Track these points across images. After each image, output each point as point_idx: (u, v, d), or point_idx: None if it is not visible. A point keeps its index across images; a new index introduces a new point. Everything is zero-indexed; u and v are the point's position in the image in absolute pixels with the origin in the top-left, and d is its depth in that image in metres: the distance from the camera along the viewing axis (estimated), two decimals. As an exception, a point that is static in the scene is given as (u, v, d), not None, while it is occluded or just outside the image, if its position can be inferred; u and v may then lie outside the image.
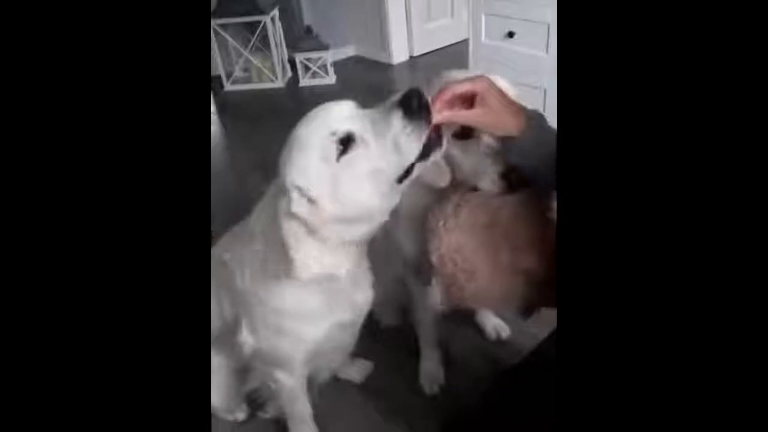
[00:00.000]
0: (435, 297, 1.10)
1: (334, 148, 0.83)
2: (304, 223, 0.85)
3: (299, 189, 0.84)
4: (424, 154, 0.85)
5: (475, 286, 0.99)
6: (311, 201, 0.84)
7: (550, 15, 2.21)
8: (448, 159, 1.03)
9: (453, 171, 1.05)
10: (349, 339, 1.22)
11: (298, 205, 0.84)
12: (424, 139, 0.83)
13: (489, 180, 0.99)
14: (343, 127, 0.83)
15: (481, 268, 0.98)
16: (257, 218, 0.98)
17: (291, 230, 0.85)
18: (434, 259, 0.99)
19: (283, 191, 0.85)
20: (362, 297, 1.09)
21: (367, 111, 0.87)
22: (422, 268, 1.26)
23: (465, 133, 1.01)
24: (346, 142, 0.83)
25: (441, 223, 0.99)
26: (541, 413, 1.10)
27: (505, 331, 1.58)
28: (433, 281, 1.07)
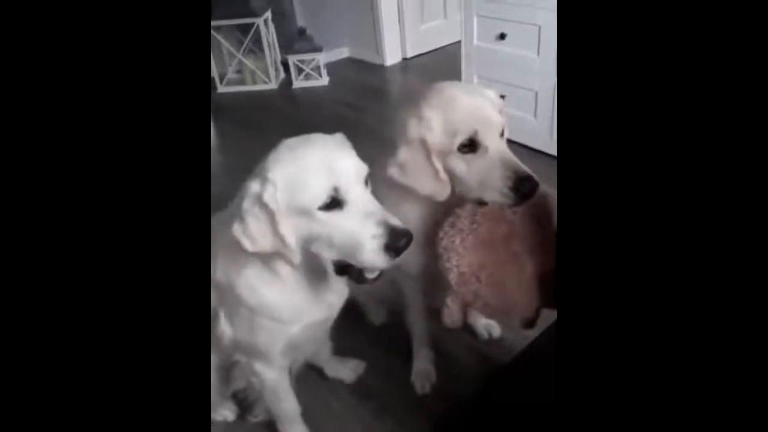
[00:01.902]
0: (449, 316, 1.06)
1: (324, 197, 0.86)
2: (266, 210, 0.88)
3: (275, 186, 0.87)
4: (359, 278, 0.93)
5: (503, 299, 0.99)
6: (276, 205, 0.88)
7: (541, 17, 2.23)
8: (450, 171, 1.03)
9: (453, 184, 1.04)
10: (323, 333, 1.25)
11: (270, 196, 0.87)
12: (374, 266, 0.89)
13: (498, 193, 0.98)
14: (349, 192, 0.87)
15: (508, 281, 0.98)
16: (234, 204, 0.98)
17: (252, 209, 0.88)
18: (453, 277, 0.98)
19: (260, 178, 0.89)
20: (336, 297, 1.10)
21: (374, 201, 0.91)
22: (428, 285, 1.26)
23: (471, 146, 1.01)
24: (335, 204, 0.87)
25: (457, 240, 0.98)
26: (533, 411, 1.11)
27: (496, 331, 1.58)
28: (448, 300, 1.05)
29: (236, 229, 0.89)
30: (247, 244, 0.89)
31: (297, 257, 0.92)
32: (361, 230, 0.86)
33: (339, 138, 0.98)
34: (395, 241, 0.86)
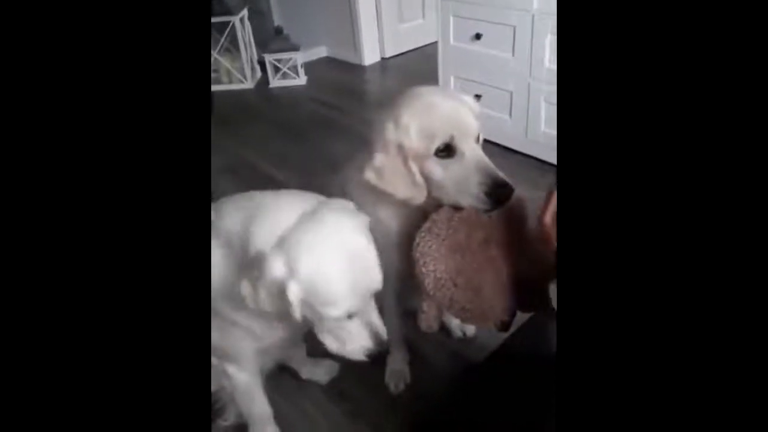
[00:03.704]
0: (425, 321, 1.07)
1: (342, 314, 0.89)
2: (283, 297, 0.86)
3: (299, 281, 0.84)
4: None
5: (479, 304, 0.99)
6: (295, 298, 0.86)
7: (516, 18, 2.25)
8: (427, 176, 1.03)
9: (429, 188, 1.04)
10: (297, 338, 1.24)
11: (293, 292, 0.84)
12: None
13: (474, 198, 0.98)
14: (361, 310, 0.92)
15: (485, 286, 0.99)
16: (227, 221, 0.96)
17: (269, 289, 0.86)
18: (429, 282, 0.98)
19: (285, 263, 0.84)
20: None
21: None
22: (403, 288, 1.25)
23: (448, 151, 1.01)
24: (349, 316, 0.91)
25: (434, 246, 0.97)
26: (507, 409, 1.12)
27: (470, 330, 1.59)
28: (424, 305, 1.05)
29: (245, 288, 0.87)
30: (251, 304, 0.88)
31: (299, 316, 0.90)
32: (358, 337, 0.93)
33: (358, 221, 0.93)
34: (380, 352, 0.95)
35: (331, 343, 0.96)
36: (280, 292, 0.85)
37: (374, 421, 1.37)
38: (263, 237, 0.88)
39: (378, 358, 0.96)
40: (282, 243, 0.86)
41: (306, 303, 0.87)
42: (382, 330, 0.95)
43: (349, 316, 0.91)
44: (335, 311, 0.87)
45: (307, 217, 0.88)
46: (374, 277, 0.91)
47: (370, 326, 0.94)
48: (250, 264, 0.88)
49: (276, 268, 0.84)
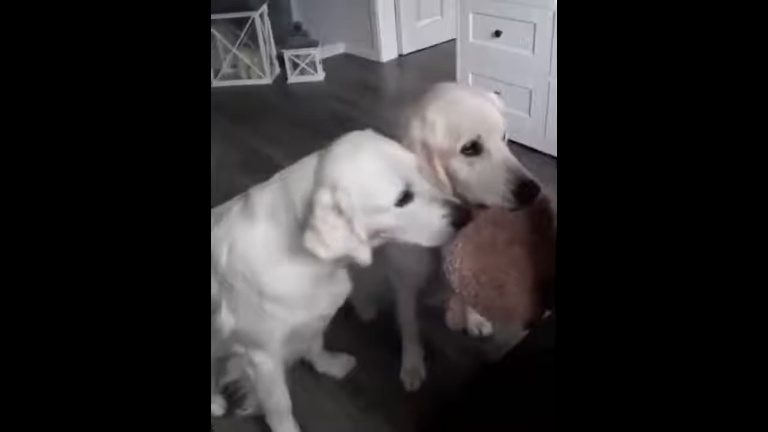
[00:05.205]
0: (451, 318, 1.06)
1: (398, 195, 0.91)
2: (342, 216, 0.90)
3: (348, 193, 0.89)
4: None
5: (504, 303, 0.98)
6: (352, 210, 0.90)
7: (536, 15, 2.23)
8: (452, 174, 1.03)
9: (454, 186, 1.04)
10: (321, 327, 1.26)
11: (346, 204, 0.89)
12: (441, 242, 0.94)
13: (500, 196, 0.98)
14: (415, 184, 0.92)
15: (509, 285, 0.98)
16: (260, 202, 1.00)
17: (326, 218, 0.90)
18: (455, 280, 0.97)
19: (329, 188, 0.90)
20: (340, 290, 1.12)
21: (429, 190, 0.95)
22: (426, 284, 1.26)
23: (474, 149, 1.00)
24: (407, 197, 0.92)
25: (460, 244, 0.97)
26: (522, 408, 1.12)
27: (487, 328, 1.59)
28: (451, 302, 1.04)
29: (309, 239, 0.91)
30: (322, 253, 0.91)
31: (369, 254, 0.94)
32: (431, 214, 0.92)
33: (373, 133, 1.00)
34: (460, 218, 0.93)
35: (419, 239, 0.95)
36: (337, 213, 0.89)
37: (390, 416, 1.37)
38: (301, 191, 0.94)
39: (463, 220, 0.93)
40: (318, 180, 0.92)
41: (364, 209, 0.90)
42: (450, 197, 0.95)
43: (409, 197, 0.92)
44: (393, 194, 0.90)
45: (325, 152, 0.96)
46: (408, 154, 0.96)
47: (434, 200, 0.93)
48: (303, 222, 0.93)
49: (323, 195, 0.89)
